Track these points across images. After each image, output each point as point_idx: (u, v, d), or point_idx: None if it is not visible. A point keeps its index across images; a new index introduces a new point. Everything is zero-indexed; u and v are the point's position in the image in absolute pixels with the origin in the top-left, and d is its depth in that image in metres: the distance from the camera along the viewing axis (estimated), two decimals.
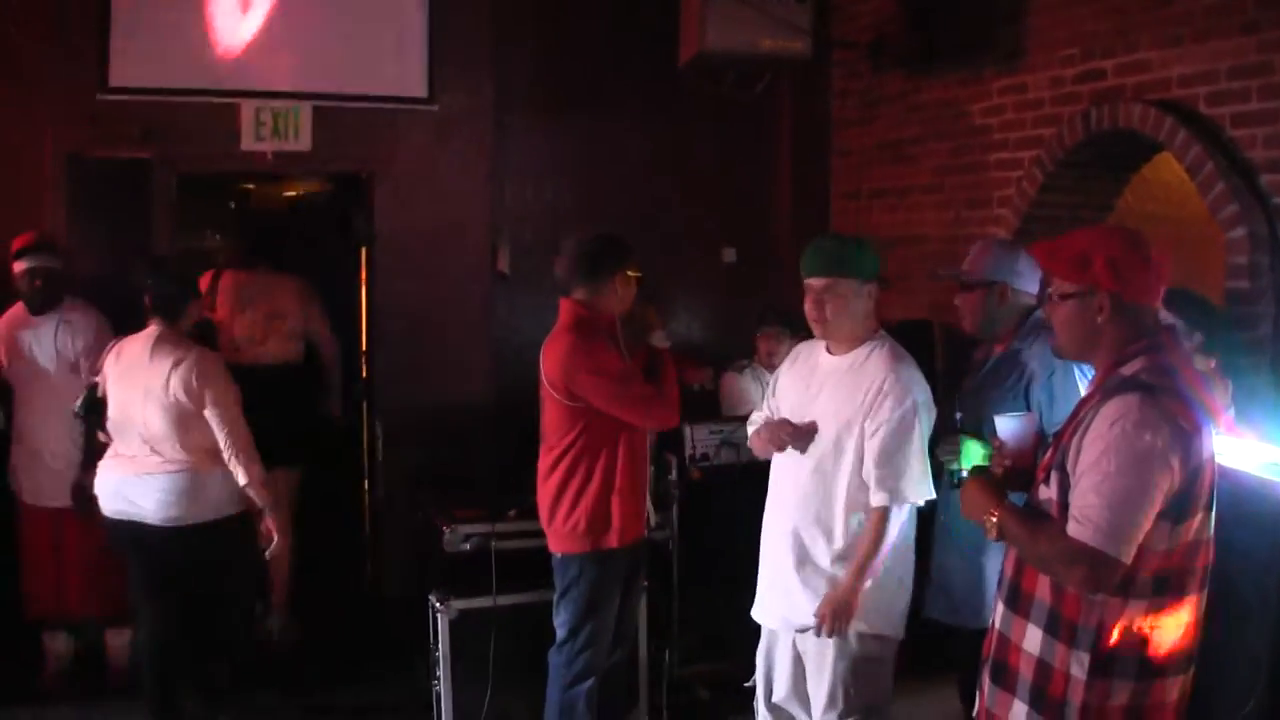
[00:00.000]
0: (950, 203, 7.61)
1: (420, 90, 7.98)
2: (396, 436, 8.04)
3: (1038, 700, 3.42)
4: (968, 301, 5.15)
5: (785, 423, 4.87)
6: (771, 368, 7.13)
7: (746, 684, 5.10)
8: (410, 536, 6.96)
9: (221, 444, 5.78)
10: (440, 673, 6.03)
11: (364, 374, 8.22)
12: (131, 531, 5.84)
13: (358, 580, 8.25)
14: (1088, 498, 3.25)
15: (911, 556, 4.86)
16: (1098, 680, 3.32)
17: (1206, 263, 6.26)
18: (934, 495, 4.75)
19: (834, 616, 4.61)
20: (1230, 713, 4.79)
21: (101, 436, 6.06)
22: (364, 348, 8.26)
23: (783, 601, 4.85)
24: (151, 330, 5.88)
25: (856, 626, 4.65)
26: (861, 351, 4.76)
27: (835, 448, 4.71)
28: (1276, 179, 5.49)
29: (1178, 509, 3.27)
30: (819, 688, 4.75)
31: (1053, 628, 3.39)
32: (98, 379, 5.99)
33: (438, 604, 6.01)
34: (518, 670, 6.00)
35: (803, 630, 4.77)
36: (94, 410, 5.97)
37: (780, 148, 8.89)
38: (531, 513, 6.12)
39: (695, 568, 6.54)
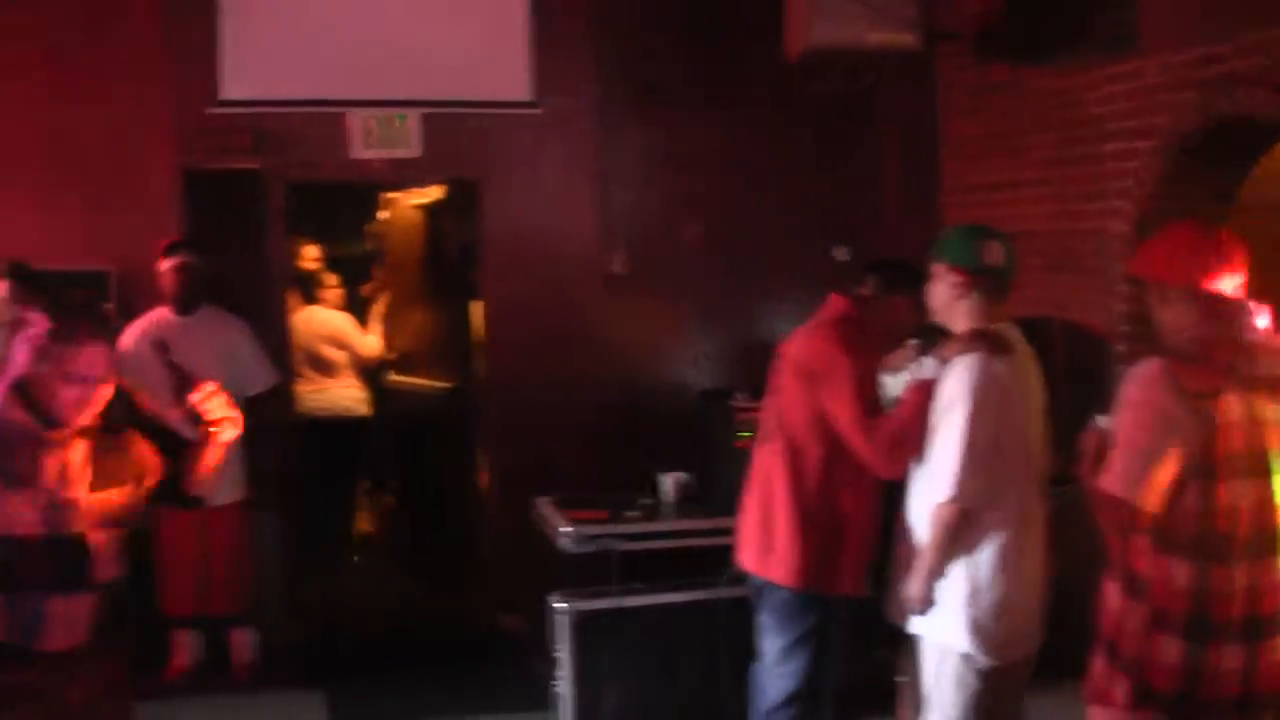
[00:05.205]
0: (1062, 195, 7.50)
1: (524, 93, 8.00)
2: (510, 438, 8.07)
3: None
4: None
5: None
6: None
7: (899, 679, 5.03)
8: (524, 538, 6.98)
9: None
10: (562, 673, 6.04)
11: (478, 376, 8.27)
12: None
13: (473, 580, 8.31)
14: None
15: (1022, 583, 4.55)
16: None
17: None
18: (969, 497, 4.41)
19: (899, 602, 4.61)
20: None
21: None
22: (478, 351, 8.30)
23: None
24: None
25: (943, 636, 4.55)
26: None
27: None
28: None
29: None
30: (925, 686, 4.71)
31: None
32: None
33: (560, 605, 6.02)
34: (638, 671, 6.02)
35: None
36: None
37: (888, 142, 8.78)
38: (651, 514, 6.15)
39: None
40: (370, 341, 9.64)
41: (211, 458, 4.08)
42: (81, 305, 3.69)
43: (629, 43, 8.23)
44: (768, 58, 7.89)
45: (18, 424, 3.71)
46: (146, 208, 7.52)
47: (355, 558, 9.71)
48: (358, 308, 9.96)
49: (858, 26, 7.54)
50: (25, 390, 3.70)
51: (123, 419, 3.91)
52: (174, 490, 4.10)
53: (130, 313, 7.06)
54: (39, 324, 3.48)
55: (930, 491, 4.52)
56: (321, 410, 9.13)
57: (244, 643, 7.19)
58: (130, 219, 7.48)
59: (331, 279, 9.63)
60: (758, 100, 8.34)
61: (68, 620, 3.76)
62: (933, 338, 5.07)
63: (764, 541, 5.20)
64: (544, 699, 6.27)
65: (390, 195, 9.78)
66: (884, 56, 7.90)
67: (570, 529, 6.07)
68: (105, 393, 3.76)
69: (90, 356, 3.70)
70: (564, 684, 6.04)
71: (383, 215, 10.10)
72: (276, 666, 7.27)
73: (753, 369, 5.83)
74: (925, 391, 4.61)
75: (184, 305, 6.94)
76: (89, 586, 3.79)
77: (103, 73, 7.52)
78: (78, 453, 3.78)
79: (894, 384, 5.28)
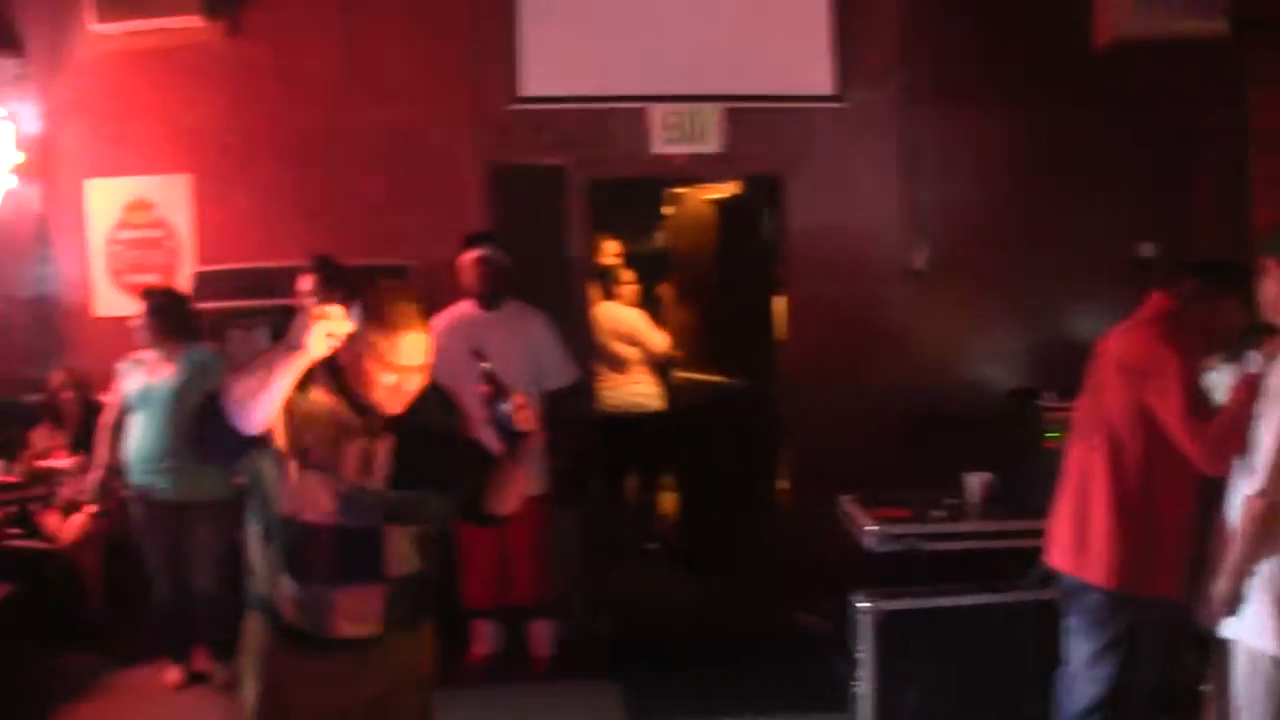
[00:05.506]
0: None
1: (827, 87, 7.96)
2: (809, 434, 8.05)
3: None
4: None
5: None
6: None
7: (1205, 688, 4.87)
8: (822, 535, 6.93)
9: None
10: (862, 673, 5.97)
11: (777, 373, 8.28)
12: None
13: (770, 577, 8.30)
14: None
15: None
16: None
17: None
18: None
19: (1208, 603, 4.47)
20: None
21: None
22: (777, 347, 8.30)
23: None
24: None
25: (1254, 640, 4.36)
26: None
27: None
28: None
29: None
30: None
31: None
32: None
33: (863, 604, 5.96)
34: (941, 673, 5.93)
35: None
36: None
37: (1196, 134, 8.45)
38: (956, 514, 6.04)
39: None
40: (661, 338, 9.69)
41: (515, 473, 3.96)
42: (403, 294, 3.62)
43: (934, 34, 8.10)
44: (1075, 48, 7.73)
45: (325, 406, 3.67)
46: (449, 203, 7.76)
47: (652, 552, 9.81)
48: (650, 303, 10.03)
49: (1169, 14, 7.37)
50: (337, 375, 3.67)
51: (433, 418, 3.87)
52: (472, 507, 4.00)
53: (432, 308, 7.23)
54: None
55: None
56: (613, 406, 9.24)
57: (543, 634, 7.30)
58: (433, 214, 7.73)
59: (628, 275, 9.72)
60: (1064, 92, 8.10)
61: (357, 610, 3.70)
62: (1258, 336, 4.92)
63: (1079, 540, 5.06)
64: (842, 700, 6.21)
65: (680, 190, 9.81)
66: (1193, 46, 7.69)
67: (876, 528, 6.02)
68: (418, 384, 3.72)
69: (410, 345, 3.63)
70: (864, 684, 5.97)
71: (673, 210, 10.14)
72: (574, 659, 7.38)
73: (1058, 367, 5.66)
74: (1251, 387, 4.48)
75: (488, 300, 7.01)
76: (379, 579, 3.72)
77: (404, 70, 7.81)
78: (384, 444, 3.72)
79: (1212, 382, 5.13)
